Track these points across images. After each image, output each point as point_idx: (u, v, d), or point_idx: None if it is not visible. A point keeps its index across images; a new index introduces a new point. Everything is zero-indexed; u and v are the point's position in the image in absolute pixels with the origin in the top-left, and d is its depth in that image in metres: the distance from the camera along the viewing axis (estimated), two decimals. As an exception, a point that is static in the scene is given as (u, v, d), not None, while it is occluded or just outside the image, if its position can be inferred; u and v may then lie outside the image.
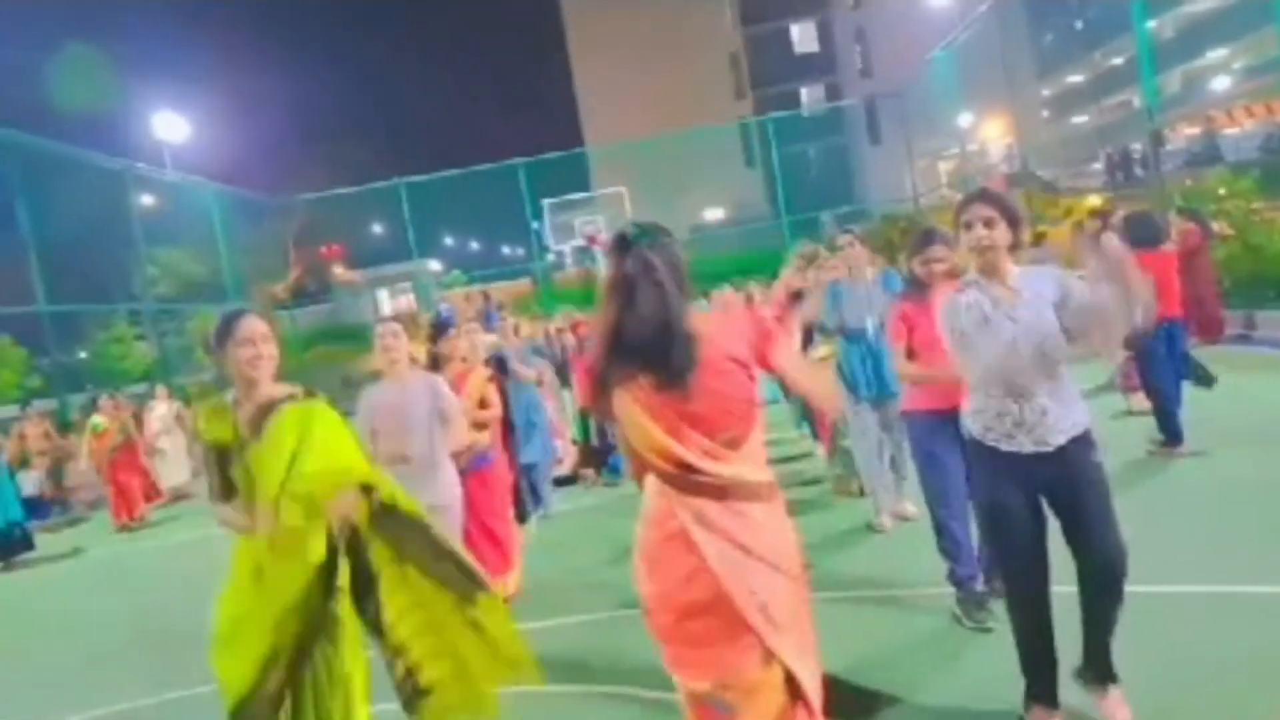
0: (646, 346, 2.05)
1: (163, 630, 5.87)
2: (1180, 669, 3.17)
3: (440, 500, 4.19)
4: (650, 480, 2.13)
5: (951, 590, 4.00)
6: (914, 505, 5.14)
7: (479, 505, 4.99)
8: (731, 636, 2.03)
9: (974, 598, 3.89)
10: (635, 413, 2.08)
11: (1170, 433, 5.96)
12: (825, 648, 3.75)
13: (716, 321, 2.21)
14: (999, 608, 3.46)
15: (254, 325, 2.88)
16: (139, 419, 11.73)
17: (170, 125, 21.88)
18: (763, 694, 2.02)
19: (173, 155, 21.07)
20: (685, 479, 2.03)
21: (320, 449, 2.68)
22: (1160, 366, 5.98)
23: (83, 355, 19.07)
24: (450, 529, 4.28)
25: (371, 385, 4.39)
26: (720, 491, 2.03)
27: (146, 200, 19.10)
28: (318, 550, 2.69)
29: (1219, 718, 2.85)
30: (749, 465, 2.07)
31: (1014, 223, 2.87)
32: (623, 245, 2.20)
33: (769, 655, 2.05)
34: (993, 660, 3.37)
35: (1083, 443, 2.86)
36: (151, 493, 11.12)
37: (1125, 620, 2.87)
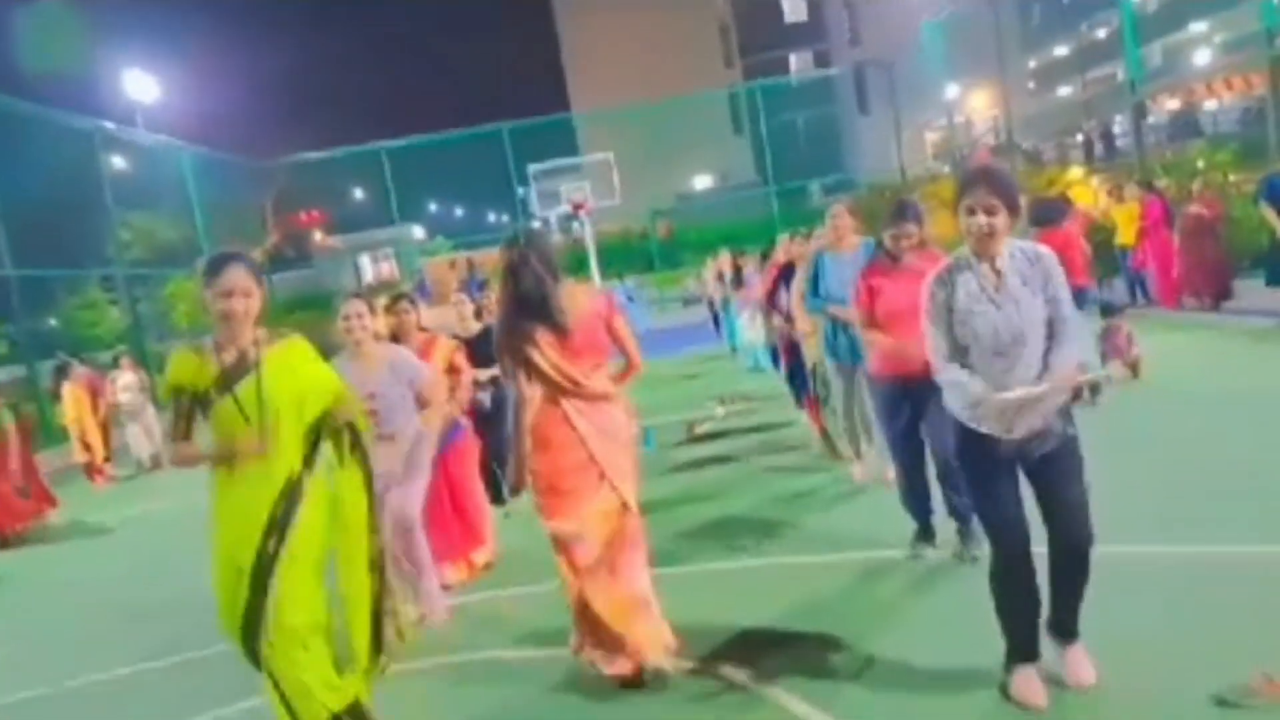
0: (536, 312, 3.29)
1: (137, 600, 5.82)
2: (1137, 628, 3.21)
3: (383, 467, 4.14)
4: (534, 396, 3.34)
5: (930, 551, 4.21)
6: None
7: (451, 480, 4.92)
8: (590, 486, 3.34)
9: (927, 533, 4.26)
10: (543, 349, 3.29)
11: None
12: (807, 610, 3.85)
13: (584, 296, 3.43)
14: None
15: (236, 278, 2.88)
16: (24, 415, 10.45)
17: (141, 84, 21.33)
18: (608, 517, 3.35)
19: (145, 116, 20.59)
20: (571, 388, 3.32)
21: (321, 374, 3.06)
22: None
23: (53, 321, 18.74)
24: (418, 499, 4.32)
25: (335, 360, 4.20)
26: (590, 395, 3.35)
27: (118, 162, 18.68)
28: (286, 469, 2.87)
29: (1177, 678, 2.87)
30: (603, 381, 3.40)
31: (1014, 208, 2.84)
32: (511, 243, 3.35)
33: (612, 488, 3.35)
34: (972, 618, 3.38)
35: (1060, 419, 2.89)
36: (32, 504, 8.99)
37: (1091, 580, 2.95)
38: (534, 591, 4.52)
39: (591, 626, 3.36)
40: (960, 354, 2.89)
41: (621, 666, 3.36)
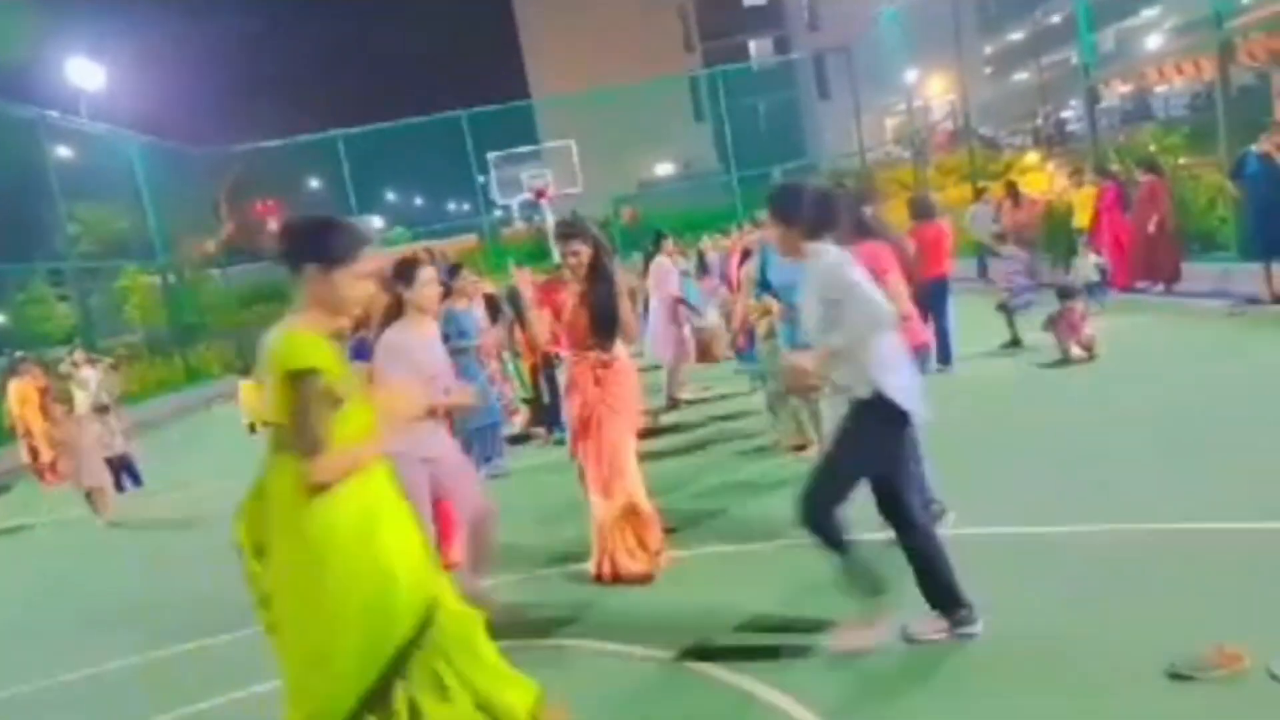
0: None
1: (91, 602, 5.68)
2: (1087, 605, 3.24)
3: (437, 451, 3.91)
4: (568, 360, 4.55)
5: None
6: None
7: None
8: (591, 428, 4.36)
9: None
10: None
11: (945, 358, 7.87)
12: (767, 592, 3.87)
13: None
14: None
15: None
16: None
17: (86, 72, 20.71)
18: (599, 454, 4.33)
19: (90, 104, 20.00)
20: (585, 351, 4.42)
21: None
22: (938, 307, 7.87)
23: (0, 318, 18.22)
24: (454, 476, 4.00)
25: (402, 328, 3.99)
26: (600, 362, 4.39)
27: (63, 152, 18.12)
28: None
29: (1128, 653, 2.92)
30: (614, 349, 4.40)
31: (788, 222, 3.21)
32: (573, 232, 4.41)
33: (603, 435, 4.34)
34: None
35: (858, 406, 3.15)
36: None
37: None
38: (492, 584, 4.50)
39: (605, 541, 4.26)
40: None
41: (638, 566, 4.24)
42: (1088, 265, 9.98)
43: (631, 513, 4.26)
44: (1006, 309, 8.67)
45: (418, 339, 4.00)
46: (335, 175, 24.50)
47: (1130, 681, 2.79)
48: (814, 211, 3.22)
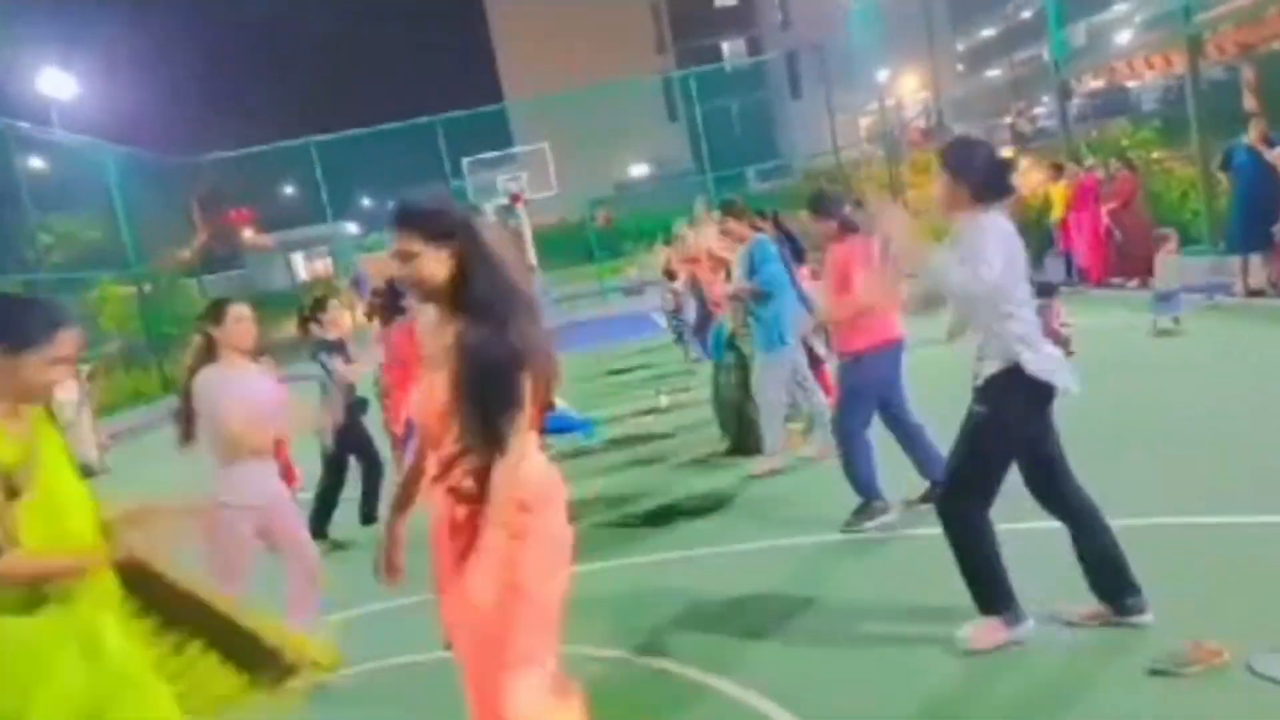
0: None
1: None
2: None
3: (270, 494, 3.77)
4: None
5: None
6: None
7: None
8: None
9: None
10: None
11: None
12: (739, 596, 3.84)
13: None
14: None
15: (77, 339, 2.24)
16: None
17: (57, 82, 20.45)
18: None
19: (61, 114, 19.74)
20: None
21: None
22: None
23: (-30, 331, 17.97)
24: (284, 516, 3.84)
25: (217, 367, 3.68)
26: None
27: (34, 163, 17.90)
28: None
29: (1112, 649, 2.94)
30: None
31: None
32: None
33: None
34: (910, 590, 3.45)
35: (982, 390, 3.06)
36: None
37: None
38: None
39: None
40: None
41: None
42: (1171, 268, 7.86)
43: None
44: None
45: (237, 376, 3.71)
46: (309, 181, 24.33)
47: (1111, 677, 2.81)
48: (986, 174, 2.98)
